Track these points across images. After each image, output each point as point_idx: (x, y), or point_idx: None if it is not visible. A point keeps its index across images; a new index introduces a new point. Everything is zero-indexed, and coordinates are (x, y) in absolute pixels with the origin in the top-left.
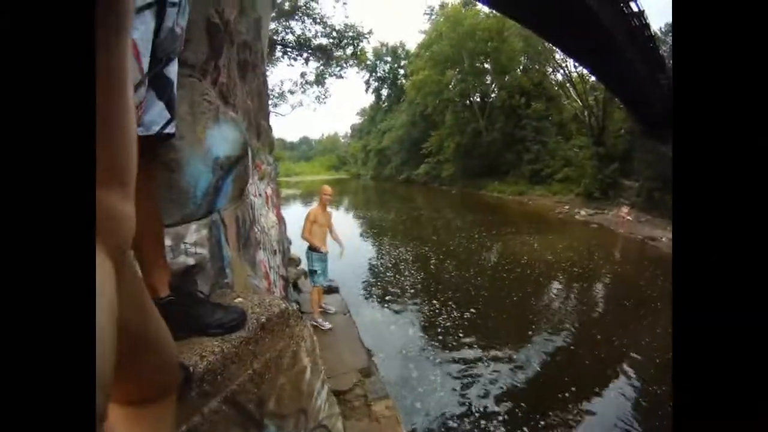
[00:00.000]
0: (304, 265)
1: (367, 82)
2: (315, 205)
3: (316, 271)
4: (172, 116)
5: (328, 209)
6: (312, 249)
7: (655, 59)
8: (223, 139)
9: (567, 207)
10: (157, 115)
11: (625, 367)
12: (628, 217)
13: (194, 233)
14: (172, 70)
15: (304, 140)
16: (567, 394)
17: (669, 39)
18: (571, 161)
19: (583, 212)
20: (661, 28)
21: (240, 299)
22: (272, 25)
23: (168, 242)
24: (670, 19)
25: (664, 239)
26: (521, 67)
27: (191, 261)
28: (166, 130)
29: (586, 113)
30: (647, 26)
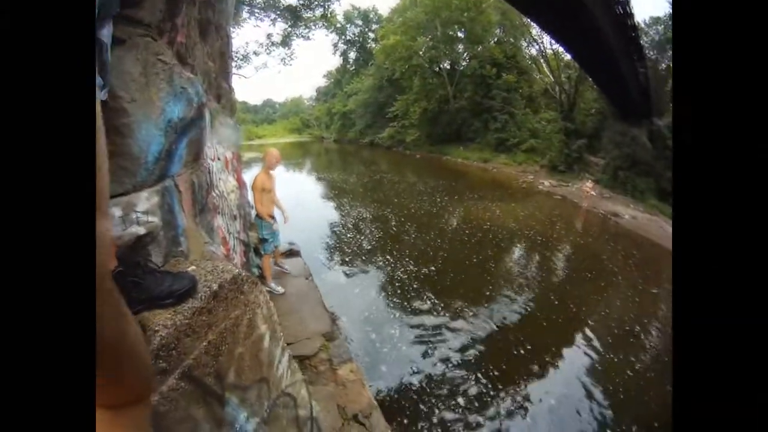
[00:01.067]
0: None
1: (335, 45)
2: (258, 170)
3: (267, 239)
4: (105, 82)
5: (272, 172)
6: (260, 217)
7: (636, 48)
8: (177, 100)
9: (531, 177)
10: None
11: (583, 334)
12: (592, 192)
13: (146, 201)
14: (106, 33)
15: (268, 103)
16: (523, 351)
17: (651, 31)
18: (538, 133)
19: (546, 183)
20: (645, 20)
21: (193, 267)
22: None
23: (118, 212)
24: (654, 13)
25: (626, 216)
26: (495, 39)
27: (142, 230)
28: (99, 97)
29: (557, 89)
30: (631, 15)
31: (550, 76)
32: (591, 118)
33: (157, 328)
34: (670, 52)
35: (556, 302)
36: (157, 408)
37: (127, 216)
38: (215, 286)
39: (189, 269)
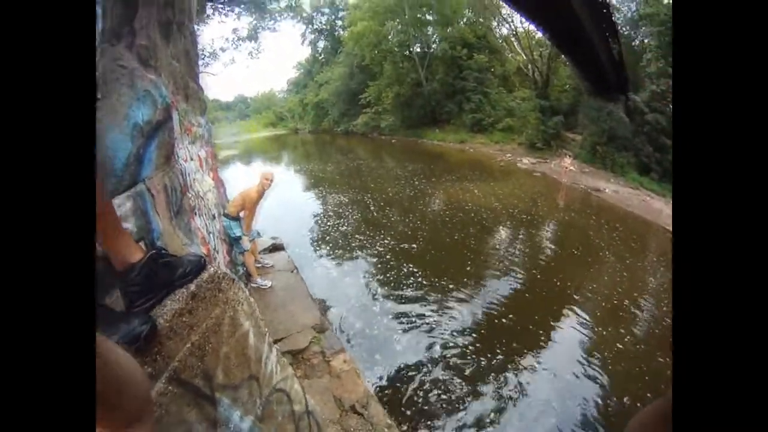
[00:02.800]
0: None
1: (304, 35)
2: (253, 187)
3: (240, 237)
4: None
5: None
6: (232, 219)
7: (609, 25)
8: (141, 103)
9: (509, 155)
10: None
11: (573, 308)
12: (572, 168)
13: (118, 208)
14: None
15: (240, 99)
16: (515, 326)
17: (624, 8)
18: (514, 112)
19: (525, 161)
20: None
21: None
22: None
23: None
24: None
25: (608, 190)
26: (465, 20)
27: None
28: None
29: (530, 67)
30: None
31: (523, 55)
32: (566, 95)
33: None
34: (644, 28)
35: (545, 279)
36: None
37: None
38: (193, 287)
39: None
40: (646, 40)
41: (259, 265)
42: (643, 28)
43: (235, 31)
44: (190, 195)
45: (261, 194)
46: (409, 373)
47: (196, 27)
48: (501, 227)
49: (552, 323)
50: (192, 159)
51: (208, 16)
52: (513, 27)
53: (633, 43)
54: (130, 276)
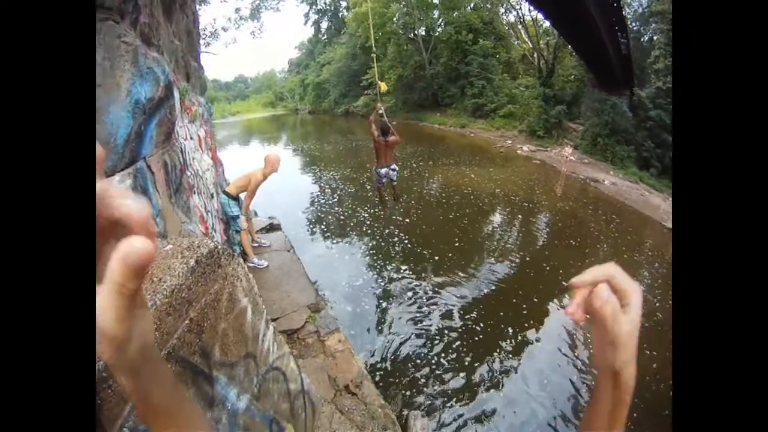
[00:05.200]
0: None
1: (307, 15)
2: (258, 170)
3: (237, 216)
4: None
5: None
6: (231, 197)
7: (619, 19)
8: (143, 81)
9: (509, 142)
10: None
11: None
12: (571, 157)
13: (118, 185)
14: None
15: (240, 79)
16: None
17: (634, 3)
18: (516, 99)
19: (525, 148)
20: None
21: (170, 246)
22: None
23: None
24: None
25: (606, 182)
26: (471, 5)
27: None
28: None
29: (535, 55)
30: None
31: (529, 43)
32: (570, 85)
33: None
34: (654, 25)
35: (540, 269)
36: None
37: None
38: (192, 262)
39: (166, 248)
40: (655, 37)
41: (256, 244)
42: (653, 24)
43: (237, 10)
44: (189, 173)
45: (266, 177)
46: (407, 354)
47: (198, 6)
48: (500, 213)
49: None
50: (191, 138)
51: None
52: (520, 14)
53: (642, 39)
54: None
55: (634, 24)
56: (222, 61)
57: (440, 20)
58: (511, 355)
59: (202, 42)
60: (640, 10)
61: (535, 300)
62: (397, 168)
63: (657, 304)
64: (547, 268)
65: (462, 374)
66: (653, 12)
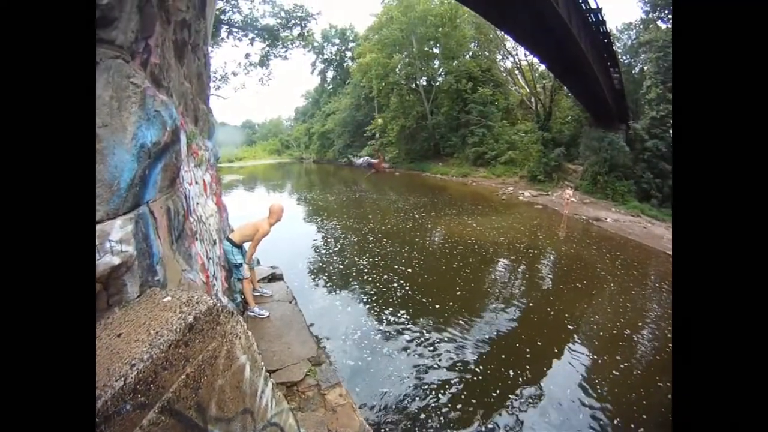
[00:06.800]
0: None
1: (314, 64)
2: (264, 220)
3: (241, 264)
4: None
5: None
6: (235, 245)
7: (610, 54)
8: (150, 124)
9: (511, 188)
10: None
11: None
12: (573, 199)
13: (120, 229)
14: None
15: (247, 124)
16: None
17: (623, 36)
18: (516, 145)
19: (527, 193)
20: (617, 27)
21: (168, 298)
22: (219, 4)
23: None
24: (625, 19)
25: (608, 219)
26: (470, 54)
27: (117, 260)
28: None
29: (533, 99)
30: (603, 23)
31: (526, 87)
32: (567, 126)
33: (133, 362)
34: (643, 55)
35: (539, 308)
36: None
37: (101, 245)
38: (190, 318)
39: (164, 300)
40: (645, 67)
41: (258, 293)
42: (643, 55)
43: (247, 56)
44: (192, 219)
45: (272, 224)
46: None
47: (210, 48)
48: (504, 260)
49: (547, 356)
50: (197, 182)
51: (222, 39)
52: (517, 60)
53: (633, 72)
54: None
55: (624, 57)
56: (230, 105)
57: (441, 70)
58: (520, 408)
59: (212, 85)
60: (629, 42)
61: (539, 343)
62: None
63: (669, 335)
64: (552, 312)
65: (469, 429)
66: (641, 42)
